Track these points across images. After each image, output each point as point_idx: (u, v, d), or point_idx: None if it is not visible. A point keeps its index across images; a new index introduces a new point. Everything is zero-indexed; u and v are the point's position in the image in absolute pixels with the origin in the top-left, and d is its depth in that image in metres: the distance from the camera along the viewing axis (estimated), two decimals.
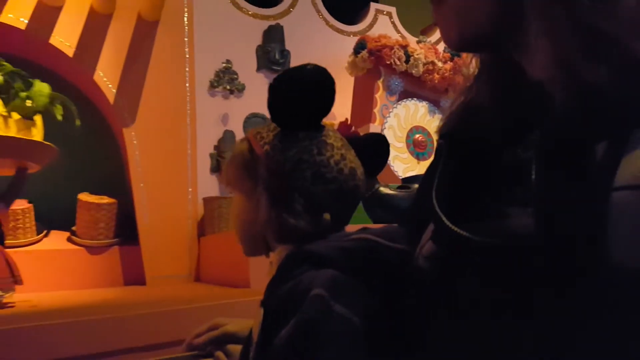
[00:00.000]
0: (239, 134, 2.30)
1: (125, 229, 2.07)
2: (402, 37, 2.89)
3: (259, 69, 2.49)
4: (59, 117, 1.41)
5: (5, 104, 1.30)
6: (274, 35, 2.49)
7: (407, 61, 2.33)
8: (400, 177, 2.16)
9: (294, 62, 2.53)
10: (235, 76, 2.38)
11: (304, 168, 0.64)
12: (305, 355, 0.45)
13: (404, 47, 2.33)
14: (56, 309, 1.24)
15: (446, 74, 2.41)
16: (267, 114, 0.64)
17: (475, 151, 0.47)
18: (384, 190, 1.80)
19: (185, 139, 2.15)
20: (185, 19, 2.23)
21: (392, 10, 2.99)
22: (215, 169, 2.33)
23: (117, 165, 2.25)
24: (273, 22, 2.51)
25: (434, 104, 2.50)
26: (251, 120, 2.47)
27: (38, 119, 1.38)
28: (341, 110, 2.44)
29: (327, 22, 2.74)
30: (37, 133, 1.37)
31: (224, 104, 2.35)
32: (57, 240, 2.04)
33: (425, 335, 0.44)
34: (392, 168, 2.20)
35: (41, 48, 1.94)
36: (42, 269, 1.87)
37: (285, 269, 0.56)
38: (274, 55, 2.46)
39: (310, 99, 0.64)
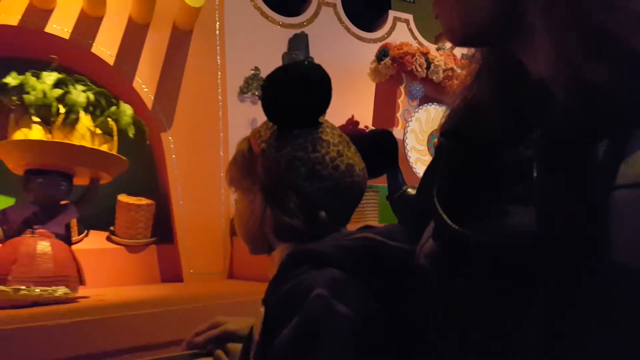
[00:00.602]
0: None
1: (161, 229, 2.15)
2: (419, 43, 2.96)
3: None
4: (131, 135, 1.51)
5: (93, 120, 1.39)
6: (299, 43, 2.57)
7: (427, 68, 2.40)
8: None
9: None
10: (263, 82, 2.45)
11: (298, 165, 0.63)
12: (306, 355, 0.45)
13: (425, 55, 2.40)
14: (120, 303, 1.31)
15: None
16: None
17: (476, 150, 0.46)
18: (411, 191, 1.87)
19: (218, 143, 2.22)
20: (217, 28, 2.31)
21: (410, 17, 3.06)
22: None
23: (149, 169, 2.32)
24: (298, 30, 2.59)
25: None
26: None
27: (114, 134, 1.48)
28: (363, 114, 2.51)
29: (348, 30, 2.81)
30: (113, 147, 1.46)
31: (253, 109, 2.42)
32: (97, 239, 2.11)
33: (425, 334, 0.43)
34: (414, 170, 2.26)
35: (83, 57, 2.02)
36: (85, 266, 1.94)
37: (287, 268, 0.54)
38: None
39: (303, 96, 0.62)
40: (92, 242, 2.16)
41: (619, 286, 0.31)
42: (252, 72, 2.45)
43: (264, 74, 2.48)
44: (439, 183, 0.47)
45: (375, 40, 2.86)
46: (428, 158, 2.48)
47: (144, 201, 2.07)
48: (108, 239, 2.11)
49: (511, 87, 0.47)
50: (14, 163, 1.32)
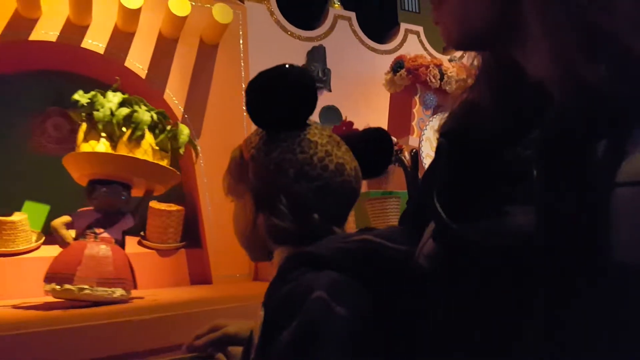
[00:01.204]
0: None
1: (189, 234, 2.23)
2: (430, 54, 3.05)
3: None
4: (182, 152, 1.61)
5: (154, 137, 1.49)
6: (316, 55, 2.66)
7: (441, 79, 2.48)
8: None
9: (334, 79, 2.69)
10: None
11: (286, 167, 0.62)
12: (306, 357, 0.44)
13: (439, 66, 2.48)
14: (168, 304, 1.39)
15: None
16: None
17: (476, 150, 0.45)
18: None
19: None
20: (241, 42, 2.39)
21: (420, 29, 3.16)
22: None
23: None
24: (316, 43, 2.68)
25: None
26: None
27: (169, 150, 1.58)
28: (378, 122, 2.59)
29: (362, 42, 2.90)
30: (168, 163, 1.56)
31: None
32: (129, 244, 2.18)
33: (425, 335, 0.43)
34: None
35: (117, 70, 2.10)
36: None
37: (286, 270, 0.54)
38: (317, 73, 2.63)
39: (285, 98, 0.61)
40: (127, 247, 2.24)
41: (620, 285, 0.31)
42: None
43: None
44: (438, 184, 0.47)
45: (387, 52, 2.95)
46: None
47: (174, 207, 2.15)
48: (139, 243, 2.19)
49: (510, 88, 0.47)
50: (80, 173, 1.41)
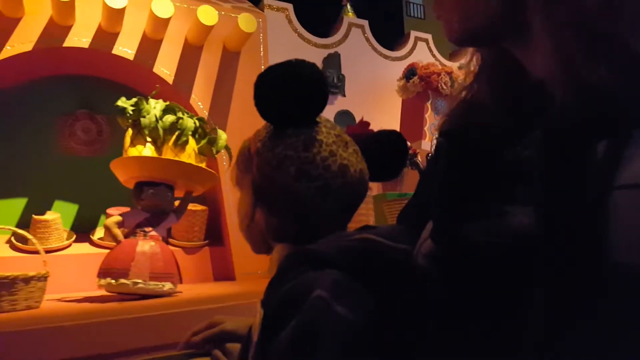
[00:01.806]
0: None
1: (212, 232, 2.30)
2: (437, 60, 3.14)
3: None
4: (215, 155, 1.69)
5: (196, 142, 1.58)
6: (332, 62, 2.74)
7: (452, 85, 2.57)
8: None
9: (349, 84, 2.77)
10: None
11: (288, 164, 0.60)
12: (306, 357, 0.43)
13: (449, 74, 2.57)
14: (208, 298, 1.46)
15: None
16: None
17: (476, 149, 0.45)
18: None
19: None
20: (261, 49, 2.47)
21: (429, 37, 3.24)
22: None
23: None
24: (332, 50, 2.76)
25: None
26: None
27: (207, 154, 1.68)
28: (390, 127, 2.68)
29: (374, 49, 2.99)
30: (205, 165, 1.65)
31: None
32: None
33: (425, 335, 0.43)
34: None
35: (146, 76, 2.17)
36: None
37: (286, 268, 0.53)
38: (332, 79, 2.71)
39: (295, 94, 0.59)
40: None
41: (619, 286, 0.30)
42: None
43: None
44: (437, 183, 0.46)
45: (398, 58, 3.04)
46: None
47: (198, 207, 2.23)
48: (164, 240, 2.26)
49: (510, 87, 0.46)
50: (128, 176, 1.49)
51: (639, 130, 0.32)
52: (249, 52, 2.41)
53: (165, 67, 2.20)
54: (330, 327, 0.43)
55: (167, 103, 1.57)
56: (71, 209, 2.25)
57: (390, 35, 3.38)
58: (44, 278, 1.26)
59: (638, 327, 0.30)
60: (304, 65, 0.60)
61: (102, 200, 2.22)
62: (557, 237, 0.33)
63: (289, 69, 0.59)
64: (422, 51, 3.17)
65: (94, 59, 2.13)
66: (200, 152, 1.56)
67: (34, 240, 1.34)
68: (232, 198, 2.24)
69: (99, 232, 2.18)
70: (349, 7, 2.98)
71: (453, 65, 2.89)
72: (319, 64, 2.75)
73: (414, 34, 3.17)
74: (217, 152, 1.65)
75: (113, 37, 2.11)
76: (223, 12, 2.28)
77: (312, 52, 2.74)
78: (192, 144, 1.54)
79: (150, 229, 1.42)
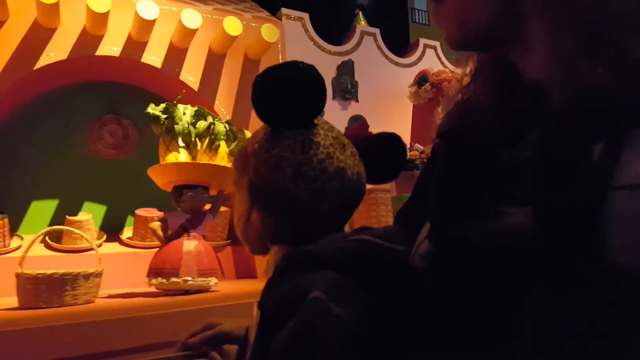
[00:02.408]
0: None
1: (234, 232, 2.40)
2: (446, 67, 3.24)
3: (334, 97, 2.83)
4: None
5: (227, 145, 1.67)
6: (346, 69, 2.84)
7: None
8: None
9: (361, 91, 2.87)
10: None
11: (285, 166, 0.60)
12: (304, 358, 0.43)
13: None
14: (244, 293, 1.55)
15: None
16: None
17: (473, 150, 0.44)
18: None
19: None
20: (280, 57, 2.56)
21: (437, 44, 3.34)
22: None
23: None
24: (345, 58, 2.86)
25: None
26: None
27: None
28: (400, 131, 2.78)
29: (385, 56, 3.08)
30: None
31: None
32: None
33: (423, 335, 0.43)
34: None
35: (172, 84, 2.26)
36: None
37: (283, 269, 0.53)
38: (346, 85, 2.81)
39: (293, 96, 0.59)
40: None
41: (617, 287, 0.30)
42: None
43: None
44: (434, 184, 0.46)
45: (408, 65, 3.14)
46: None
47: (222, 209, 2.32)
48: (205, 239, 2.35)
49: (507, 89, 0.46)
50: (165, 180, 1.58)
51: (636, 131, 0.32)
52: (268, 59, 2.50)
53: (191, 74, 2.29)
54: (327, 328, 0.43)
55: (196, 108, 1.66)
56: (100, 210, 2.33)
57: (397, 41, 3.47)
58: (99, 275, 1.35)
59: (636, 327, 0.30)
60: (303, 66, 0.59)
61: (129, 200, 2.31)
62: (554, 238, 0.33)
63: (287, 71, 0.59)
64: (430, 58, 3.27)
65: (123, 66, 2.21)
66: (231, 154, 1.65)
67: (90, 240, 1.43)
68: None
69: (127, 232, 2.27)
70: (361, 15, 3.07)
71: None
72: (334, 71, 2.85)
73: (422, 41, 3.27)
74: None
75: (142, 46, 2.20)
76: (244, 22, 2.36)
77: (327, 60, 2.83)
78: (223, 147, 1.63)
79: (192, 229, 1.52)
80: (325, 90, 0.60)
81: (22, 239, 2.08)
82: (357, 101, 2.88)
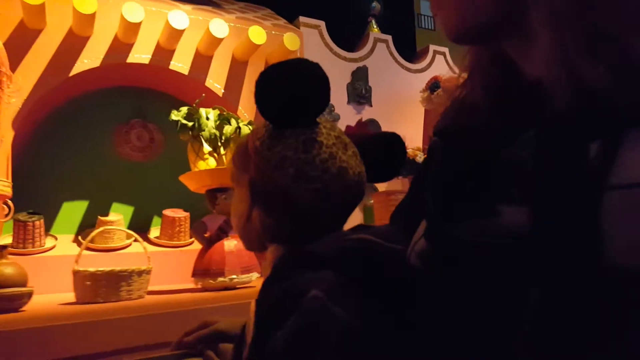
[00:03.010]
0: None
1: None
2: (455, 72, 3.33)
3: (349, 102, 2.92)
4: None
5: None
6: (360, 75, 2.92)
7: None
8: None
9: (375, 96, 2.96)
10: (333, 108, 2.81)
11: (287, 165, 0.59)
12: (302, 358, 0.43)
13: None
14: None
15: None
16: None
17: (470, 149, 0.44)
18: None
19: None
20: None
21: (446, 50, 3.44)
22: None
23: None
24: (360, 64, 2.95)
25: None
26: None
27: None
28: (413, 136, 2.87)
29: (397, 62, 3.17)
30: None
31: None
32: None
33: (421, 335, 0.43)
34: None
35: (198, 90, 2.34)
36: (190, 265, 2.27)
37: (281, 268, 0.52)
38: (361, 90, 2.90)
39: (296, 94, 0.58)
40: (195, 244, 2.49)
41: (615, 286, 0.30)
42: None
43: (333, 101, 2.83)
44: (431, 182, 0.46)
45: (419, 71, 3.23)
46: None
47: None
48: None
49: (504, 87, 0.45)
50: (199, 185, 1.66)
51: (634, 130, 0.32)
52: None
53: (216, 81, 2.37)
54: (327, 327, 0.42)
55: (218, 112, 1.74)
56: (128, 210, 2.42)
57: (404, 46, 3.56)
58: (149, 272, 1.44)
59: (634, 327, 0.30)
60: (306, 64, 0.58)
61: (155, 201, 2.40)
62: (551, 237, 0.33)
63: (291, 68, 0.58)
64: (440, 63, 3.36)
65: (152, 73, 2.30)
66: None
67: (140, 240, 1.52)
68: None
69: (154, 232, 2.36)
70: (374, 22, 3.16)
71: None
72: (349, 77, 2.93)
73: (432, 47, 3.36)
74: None
75: (170, 53, 2.28)
76: (266, 31, 2.45)
77: (343, 66, 2.92)
78: None
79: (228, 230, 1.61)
80: (329, 89, 0.59)
81: (56, 238, 2.16)
82: (371, 105, 2.96)
